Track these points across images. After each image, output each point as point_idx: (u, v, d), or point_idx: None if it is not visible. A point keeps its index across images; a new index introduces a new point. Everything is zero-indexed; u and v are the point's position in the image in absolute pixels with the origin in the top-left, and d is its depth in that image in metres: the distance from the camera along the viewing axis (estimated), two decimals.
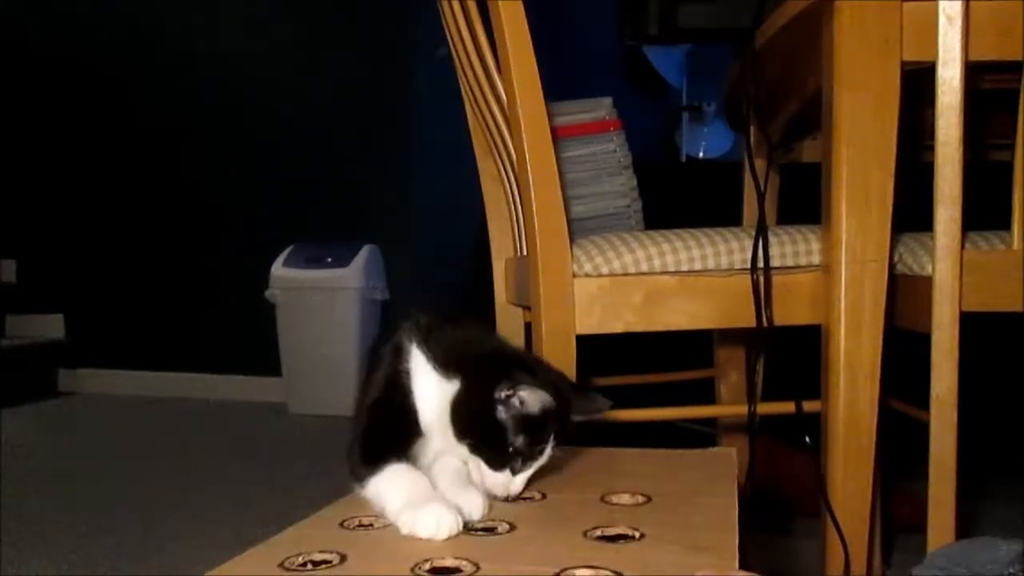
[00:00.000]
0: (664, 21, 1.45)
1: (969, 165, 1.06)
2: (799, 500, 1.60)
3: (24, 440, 2.73)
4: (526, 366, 0.82)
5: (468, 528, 0.70)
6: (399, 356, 0.82)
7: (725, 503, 0.74)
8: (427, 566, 0.61)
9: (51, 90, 3.68)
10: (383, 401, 0.82)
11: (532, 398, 0.78)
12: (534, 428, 0.78)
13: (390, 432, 0.80)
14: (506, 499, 0.78)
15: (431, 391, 0.80)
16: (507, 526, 0.70)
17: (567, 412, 0.81)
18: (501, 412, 0.78)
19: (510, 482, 0.78)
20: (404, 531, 0.69)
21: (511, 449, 0.78)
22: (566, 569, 0.59)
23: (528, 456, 0.78)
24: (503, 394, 0.77)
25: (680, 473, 0.88)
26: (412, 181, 3.31)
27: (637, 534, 0.66)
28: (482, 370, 0.80)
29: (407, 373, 0.81)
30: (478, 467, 0.79)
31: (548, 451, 0.80)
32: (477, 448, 0.78)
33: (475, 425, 0.78)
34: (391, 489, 0.75)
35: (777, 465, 1.62)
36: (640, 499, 0.76)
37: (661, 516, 0.71)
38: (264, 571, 0.61)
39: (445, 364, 0.80)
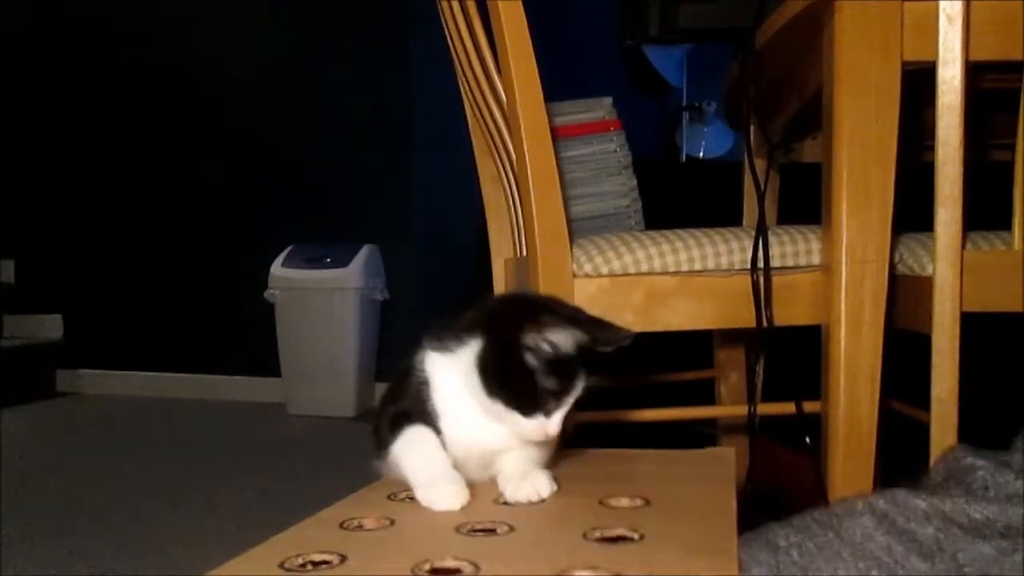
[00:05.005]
0: (664, 21, 1.45)
1: (969, 165, 1.05)
2: (799, 501, 1.60)
3: (24, 440, 2.73)
4: (548, 307, 0.79)
5: (467, 529, 0.69)
6: (414, 357, 0.82)
7: (724, 505, 0.74)
8: (427, 567, 0.60)
9: (50, 90, 3.68)
10: (400, 392, 0.83)
11: (561, 338, 0.76)
12: (565, 367, 0.77)
13: (412, 409, 0.80)
14: (545, 441, 0.79)
15: (444, 372, 0.80)
16: (507, 527, 0.70)
17: (595, 345, 0.79)
18: (530, 358, 0.76)
19: (545, 425, 0.77)
20: (424, 504, 0.75)
21: (542, 392, 0.76)
22: (567, 570, 0.59)
23: (561, 393, 0.77)
24: (530, 340, 0.76)
25: (678, 474, 0.88)
26: (412, 181, 3.31)
27: (636, 535, 0.66)
28: (504, 322, 0.78)
29: (421, 368, 0.81)
30: (512, 421, 0.77)
31: (580, 385, 0.78)
32: (509, 402, 0.77)
33: (505, 377, 0.77)
34: (409, 455, 0.78)
35: (777, 465, 1.62)
36: (639, 502, 0.76)
37: (660, 518, 0.71)
38: (264, 571, 0.61)
39: (456, 339, 0.80)
